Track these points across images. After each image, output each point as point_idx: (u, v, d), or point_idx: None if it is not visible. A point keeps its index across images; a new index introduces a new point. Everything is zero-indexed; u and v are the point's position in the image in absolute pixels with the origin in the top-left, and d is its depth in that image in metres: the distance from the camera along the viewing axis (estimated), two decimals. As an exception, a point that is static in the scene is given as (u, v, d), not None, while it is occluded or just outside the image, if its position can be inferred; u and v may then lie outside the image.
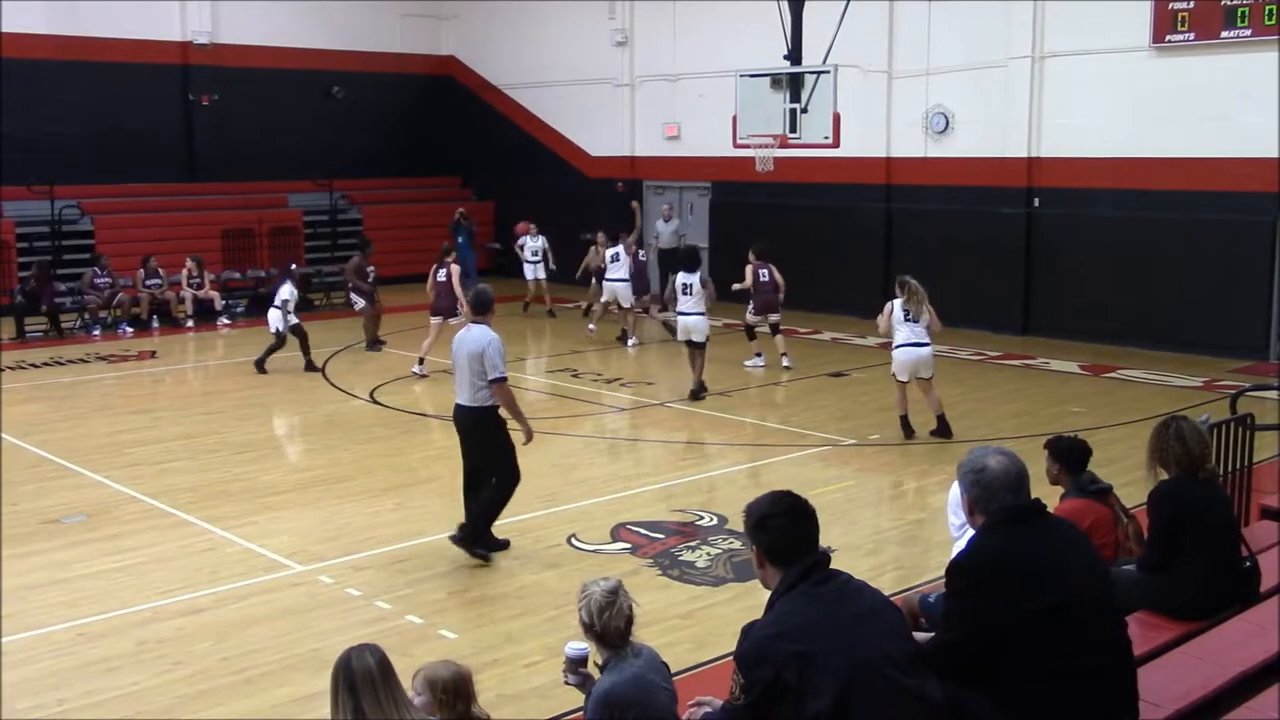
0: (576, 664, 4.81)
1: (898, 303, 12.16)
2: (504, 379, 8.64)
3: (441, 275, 16.31)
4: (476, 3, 27.76)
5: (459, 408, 8.81)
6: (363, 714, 4.18)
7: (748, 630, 3.99)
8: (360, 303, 18.45)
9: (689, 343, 14.80)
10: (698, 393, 14.46)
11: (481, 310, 8.88)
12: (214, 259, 22.17)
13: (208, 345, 19.29)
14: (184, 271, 20.96)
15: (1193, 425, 5.97)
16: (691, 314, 14.71)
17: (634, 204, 23.25)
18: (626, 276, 18.79)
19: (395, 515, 10.08)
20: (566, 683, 4.89)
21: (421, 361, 15.99)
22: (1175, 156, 17.03)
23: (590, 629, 4.65)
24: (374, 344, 18.32)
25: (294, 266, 17.99)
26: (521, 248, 22.03)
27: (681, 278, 14.84)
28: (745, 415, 13.77)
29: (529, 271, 21.86)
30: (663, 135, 24.37)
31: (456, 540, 8.74)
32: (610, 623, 4.61)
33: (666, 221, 22.97)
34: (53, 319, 19.84)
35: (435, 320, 16.23)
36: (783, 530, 4.01)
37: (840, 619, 3.84)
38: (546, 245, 21.84)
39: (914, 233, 20.31)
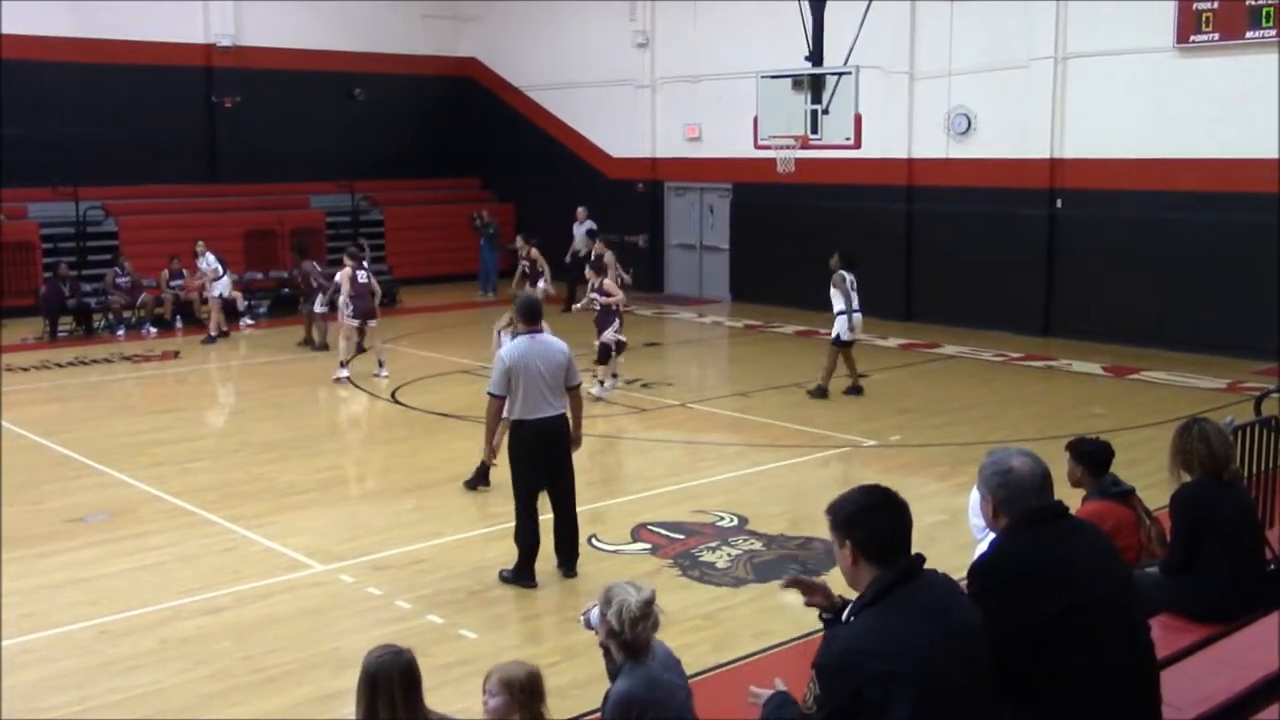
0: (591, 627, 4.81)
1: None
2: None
3: (362, 276, 15.94)
4: (497, 4, 27.81)
5: (553, 419, 8.31)
6: (376, 716, 4.23)
7: (831, 638, 3.74)
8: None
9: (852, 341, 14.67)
10: (858, 389, 14.59)
11: (535, 318, 8.58)
12: (236, 260, 22.26)
13: (230, 346, 19.38)
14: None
15: (1216, 427, 5.93)
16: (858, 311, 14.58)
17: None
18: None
19: (416, 515, 10.10)
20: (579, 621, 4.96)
21: (345, 365, 15.81)
22: (1199, 158, 16.92)
23: (618, 636, 4.54)
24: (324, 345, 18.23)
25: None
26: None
27: (852, 276, 14.48)
28: (766, 416, 13.74)
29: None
30: (684, 136, 24.35)
31: (574, 574, 8.56)
32: (643, 635, 4.54)
33: (580, 224, 22.24)
34: (54, 320, 19.89)
35: (355, 323, 15.84)
36: (880, 524, 3.78)
37: (930, 637, 3.62)
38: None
39: (936, 234, 20.26)
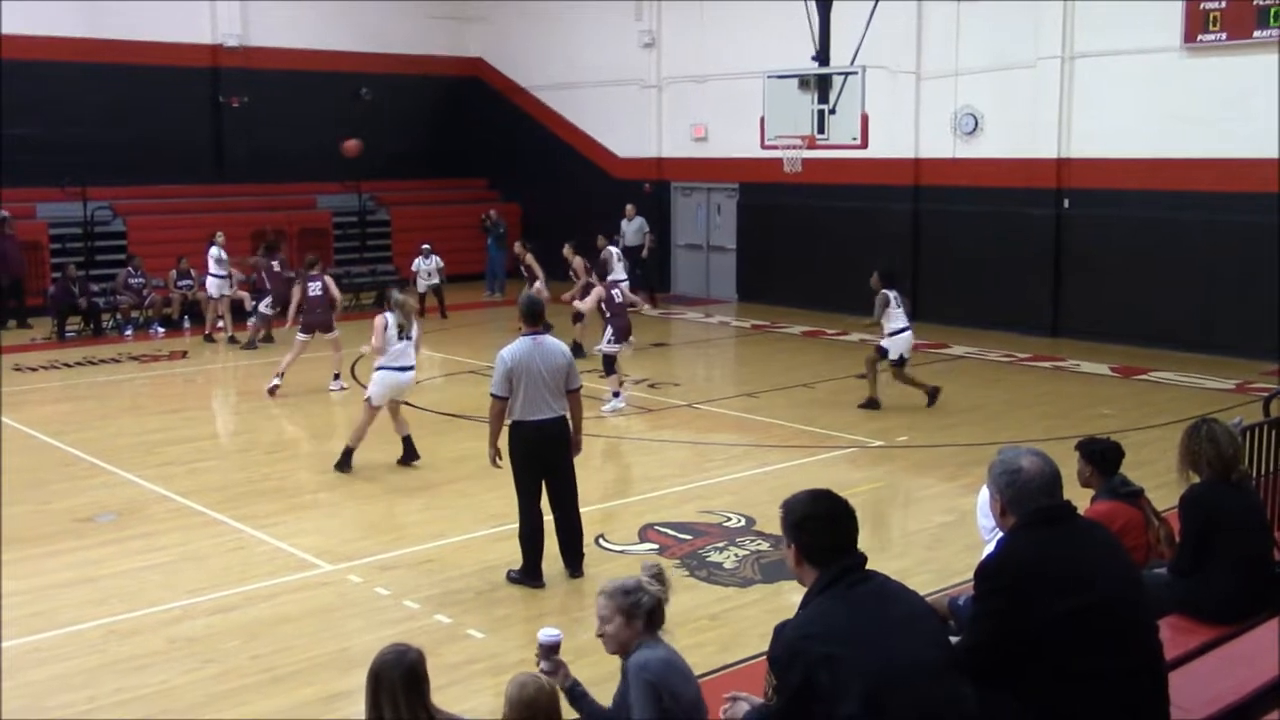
0: (550, 650, 4.80)
1: (390, 317, 11.52)
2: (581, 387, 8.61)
3: (315, 288, 15.49)
4: (503, 4, 27.83)
5: (553, 421, 8.29)
6: (382, 716, 4.23)
7: (780, 630, 3.97)
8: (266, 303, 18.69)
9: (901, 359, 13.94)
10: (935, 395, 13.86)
11: (536, 320, 8.58)
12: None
13: (237, 345, 19.39)
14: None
15: (1224, 427, 5.92)
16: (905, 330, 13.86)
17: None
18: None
19: (424, 515, 10.12)
20: (541, 670, 4.80)
21: (280, 375, 15.16)
22: (1207, 157, 16.89)
23: (657, 611, 4.68)
24: (252, 345, 18.69)
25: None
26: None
27: (894, 294, 13.81)
28: (772, 416, 13.74)
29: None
30: (690, 136, 24.36)
31: (580, 574, 8.53)
32: (661, 597, 4.71)
33: (629, 221, 22.88)
34: (63, 320, 19.93)
35: (304, 337, 15.39)
36: (822, 530, 3.97)
37: (874, 622, 3.80)
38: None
39: (943, 234, 20.24)
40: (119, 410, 14.67)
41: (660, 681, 4.49)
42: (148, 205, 23.72)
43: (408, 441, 11.69)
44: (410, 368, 11.59)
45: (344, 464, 11.43)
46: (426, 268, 21.70)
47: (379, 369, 11.54)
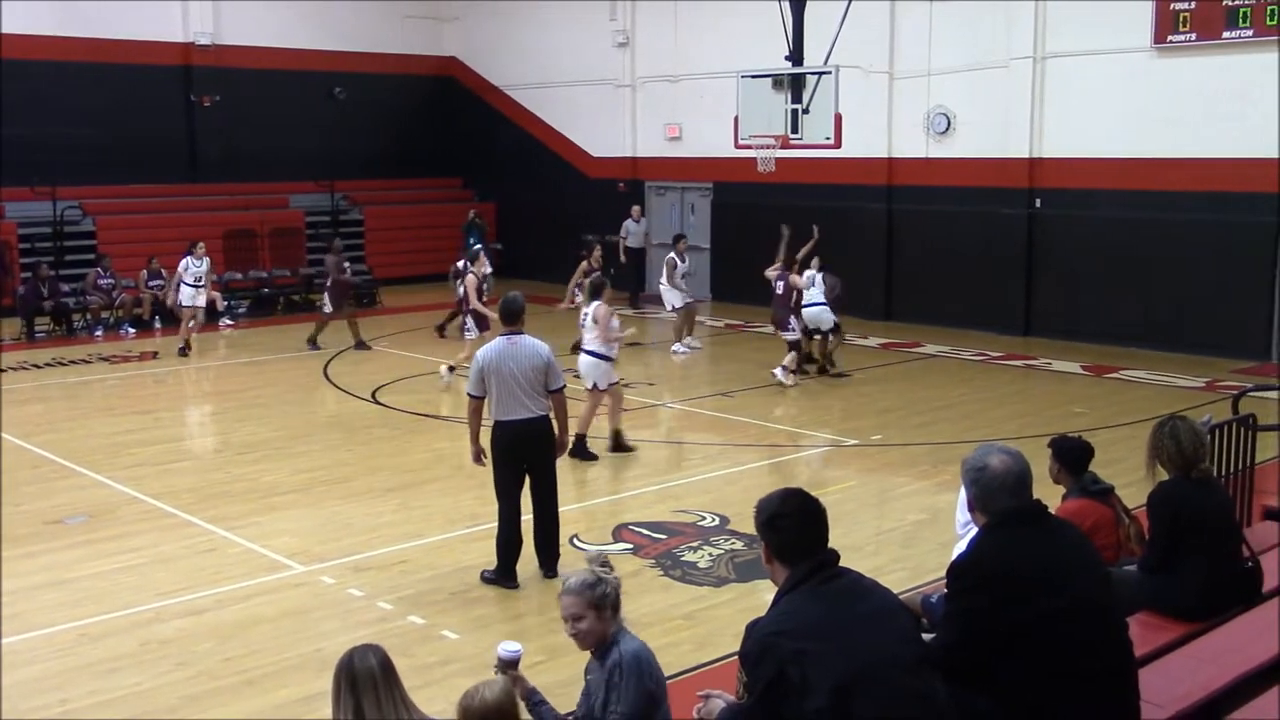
0: (509, 665, 4.83)
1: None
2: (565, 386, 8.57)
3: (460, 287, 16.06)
4: (478, 4, 27.77)
5: (527, 422, 8.23)
6: (363, 714, 4.19)
7: (751, 628, 3.98)
8: (329, 306, 18.42)
9: (817, 331, 16.05)
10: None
11: (514, 319, 8.55)
12: (216, 260, 22.14)
13: (210, 346, 19.28)
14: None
15: (1189, 425, 5.97)
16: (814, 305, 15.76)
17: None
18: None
19: (397, 516, 10.09)
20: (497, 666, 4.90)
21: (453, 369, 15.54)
22: (1177, 157, 17.03)
23: (618, 598, 4.82)
24: (360, 345, 18.30)
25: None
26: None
27: (810, 273, 15.88)
28: (748, 415, 13.77)
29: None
30: (664, 136, 24.38)
31: (554, 574, 8.36)
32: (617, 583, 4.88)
33: (637, 222, 23.18)
34: (31, 321, 19.74)
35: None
36: (791, 528, 4.01)
37: (845, 618, 3.82)
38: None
39: (915, 233, 20.33)
40: (89, 411, 14.57)
41: (648, 669, 4.66)
42: (118, 205, 23.52)
43: (616, 435, 12.11)
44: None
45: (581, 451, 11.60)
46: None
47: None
